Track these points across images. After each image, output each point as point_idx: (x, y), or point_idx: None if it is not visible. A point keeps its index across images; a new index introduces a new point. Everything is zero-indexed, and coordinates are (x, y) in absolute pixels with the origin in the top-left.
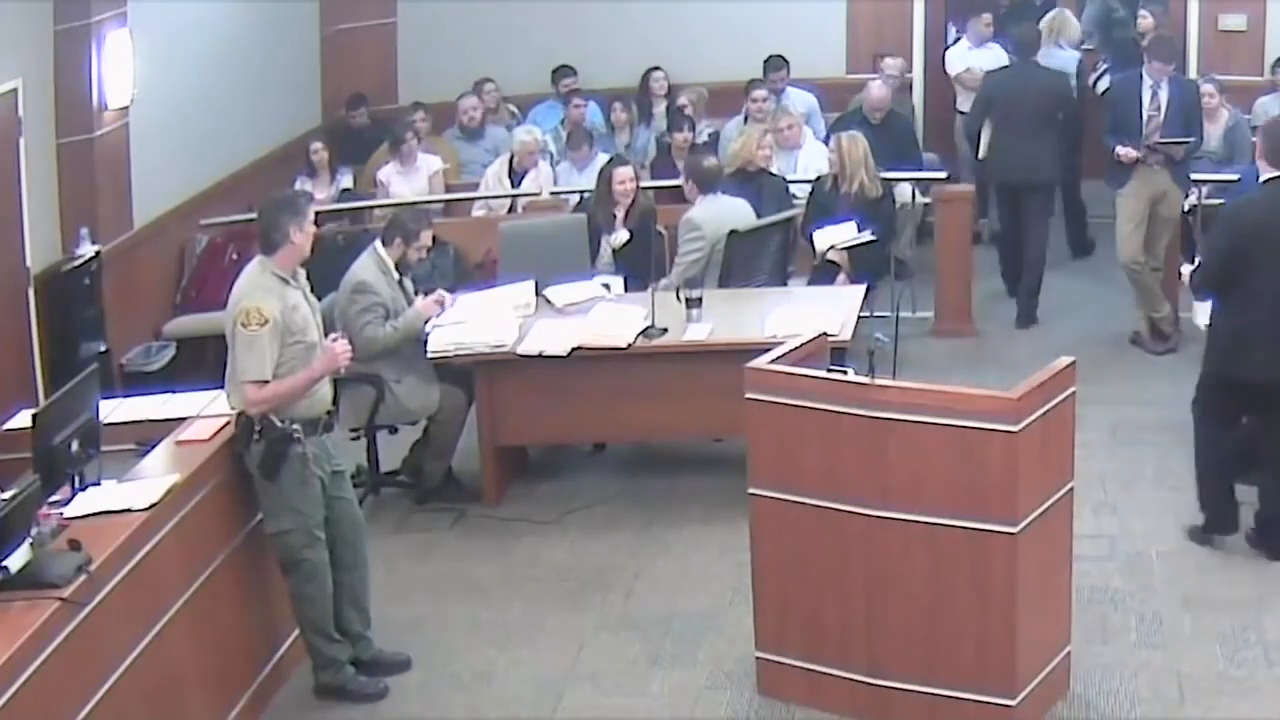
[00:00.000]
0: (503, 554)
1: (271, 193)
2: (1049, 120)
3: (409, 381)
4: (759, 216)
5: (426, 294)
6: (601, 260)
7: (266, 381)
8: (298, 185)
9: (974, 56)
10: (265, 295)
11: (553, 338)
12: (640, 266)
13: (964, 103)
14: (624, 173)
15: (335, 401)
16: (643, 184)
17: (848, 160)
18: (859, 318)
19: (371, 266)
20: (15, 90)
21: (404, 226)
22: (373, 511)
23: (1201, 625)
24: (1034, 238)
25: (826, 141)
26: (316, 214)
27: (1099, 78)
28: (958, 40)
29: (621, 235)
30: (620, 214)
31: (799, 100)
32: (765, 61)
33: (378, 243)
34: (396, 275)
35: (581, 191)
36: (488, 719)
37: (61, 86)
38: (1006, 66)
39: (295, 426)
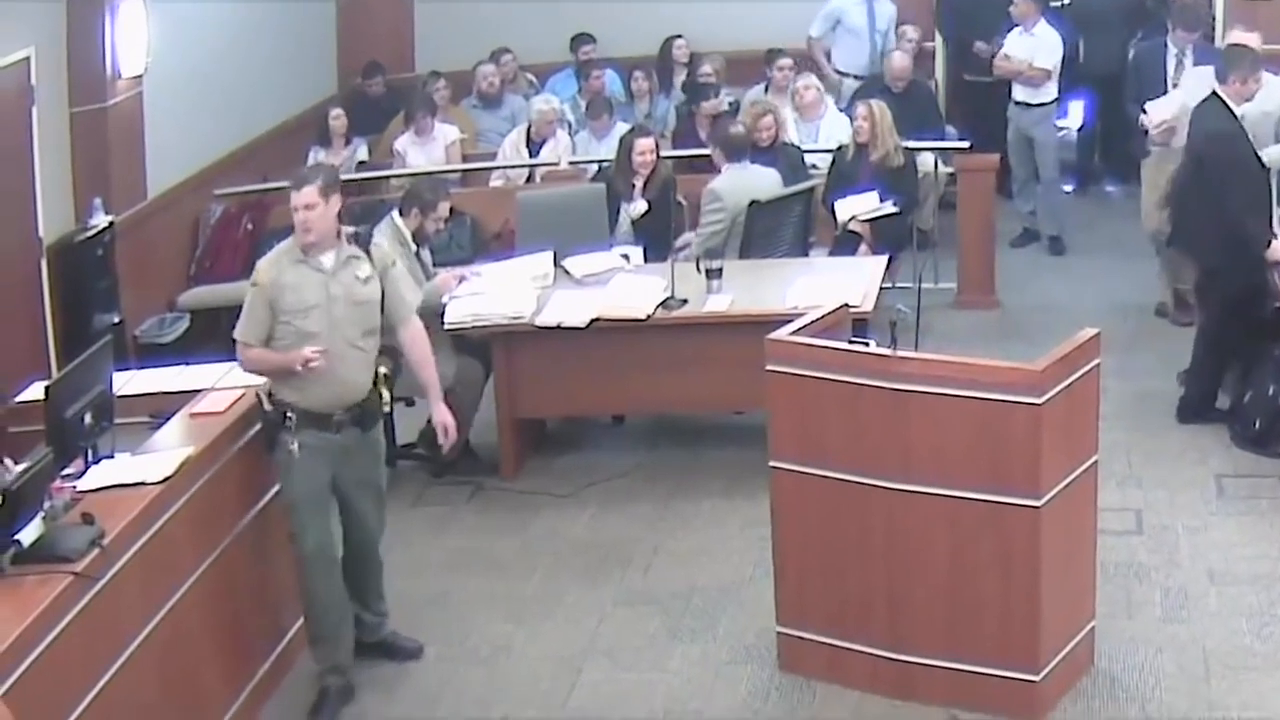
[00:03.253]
0: (520, 528)
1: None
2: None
3: None
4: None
5: (443, 264)
6: (620, 230)
7: (250, 344)
8: (310, 156)
9: (1014, 44)
10: (271, 262)
11: (571, 309)
12: (660, 236)
13: (1019, 93)
14: (645, 143)
15: (377, 411)
16: (663, 154)
17: (879, 126)
18: (881, 289)
19: (388, 237)
20: (28, 59)
21: (421, 197)
22: (389, 485)
23: (1227, 600)
24: None
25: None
26: None
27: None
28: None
29: (640, 206)
30: (640, 183)
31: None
32: None
33: (394, 213)
34: (414, 247)
35: (600, 161)
36: (505, 694)
37: (74, 55)
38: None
39: (289, 415)
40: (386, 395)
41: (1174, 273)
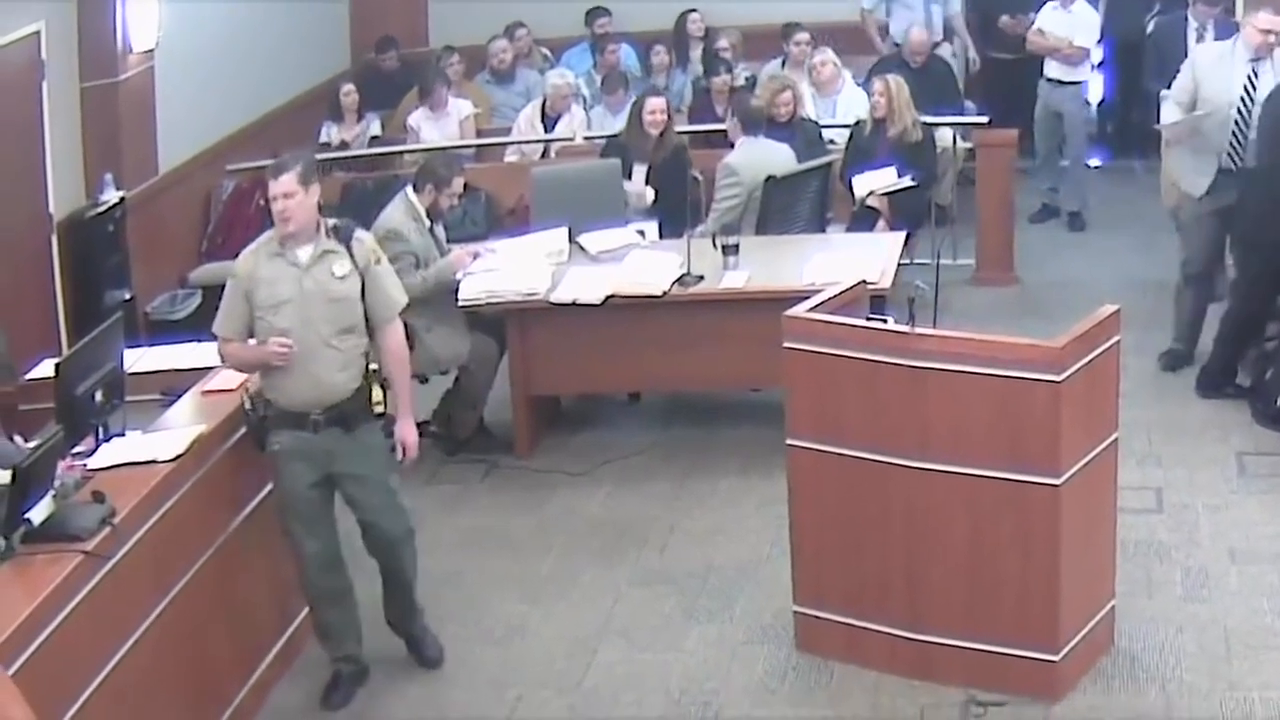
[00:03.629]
0: (535, 507)
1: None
2: None
3: (440, 330)
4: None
5: (457, 240)
6: (634, 199)
7: (228, 338)
8: (322, 131)
9: (1050, 20)
10: (250, 253)
11: (586, 285)
12: (676, 208)
13: (1053, 70)
14: (655, 103)
15: (362, 411)
16: (679, 129)
17: (896, 101)
18: (899, 265)
19: (402, 213)
20: (38, 33)
21: (435, 173)
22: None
23: (1248, 579)
24: None
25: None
26: (345, 159)
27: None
28: None
29: (648, 195)
30: (649, 147)
31: None
32: None
33: (408, 189)
34: (428, 223)
35: (611, 136)
36: (520, 674)
37: (85, 29)
38: None
39: (267, 413)
40: (379, 394)
41: None
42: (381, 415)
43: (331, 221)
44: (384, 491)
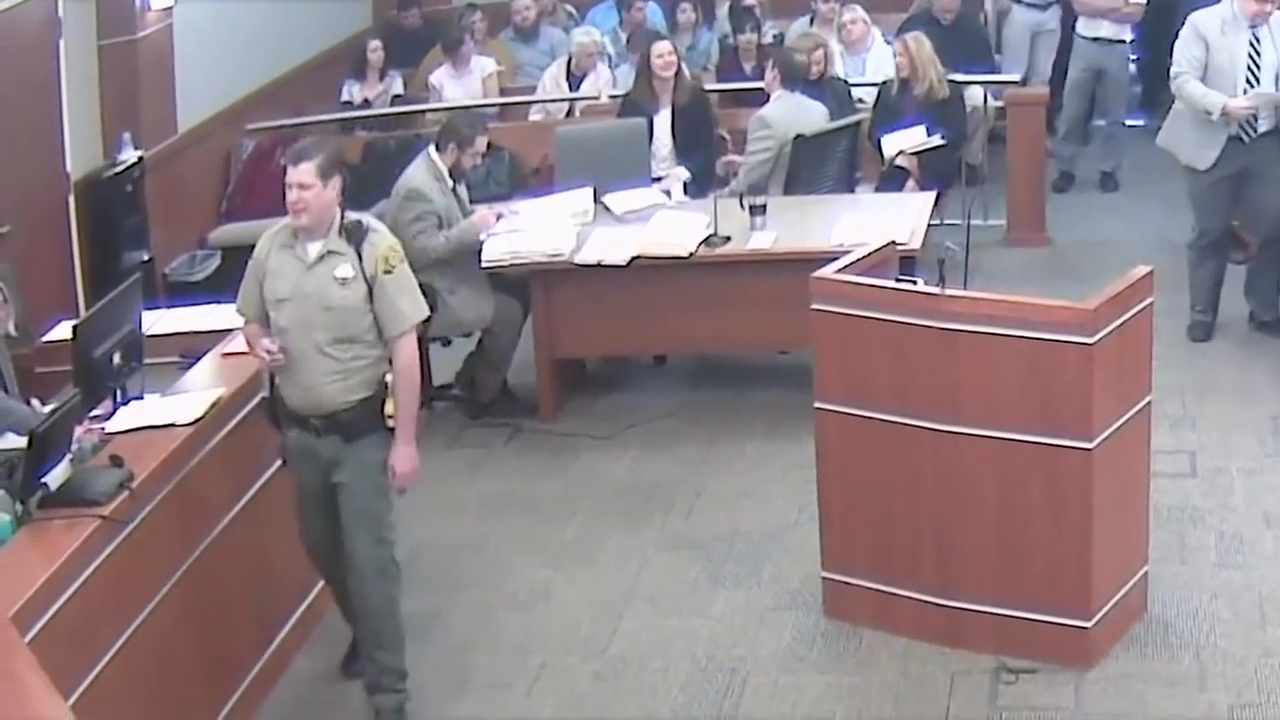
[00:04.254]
0: (560, 471)
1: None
2: None
3: (463, 291)
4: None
5: (480, 200)
6: (660, 145)
7: (246, 317)
8: (344, 89)
9: None
10: (269, 235)
11: (611, 246)
12: (700, 151)
13: (1102, 29)
14: (662, 46)
15: (365, 425)
16: (707, 87)
17: (917, 60)
18: (929, 226)
19: (424, 173)
20: None
21: (458, 132)
22: (425, 427)
23: None
24: None
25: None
26: (368, 118)
27: None
28: None
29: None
30: (667, 93)
31: None
32: None
33: (431, 148)
34: (450, 182)
35: (623, 95)
36: (544, 640)
37: None
38: None
39: (281, 403)
40: (391, 408)
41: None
42: (394, 430)
43: (354, 217)
44: (364, 516)
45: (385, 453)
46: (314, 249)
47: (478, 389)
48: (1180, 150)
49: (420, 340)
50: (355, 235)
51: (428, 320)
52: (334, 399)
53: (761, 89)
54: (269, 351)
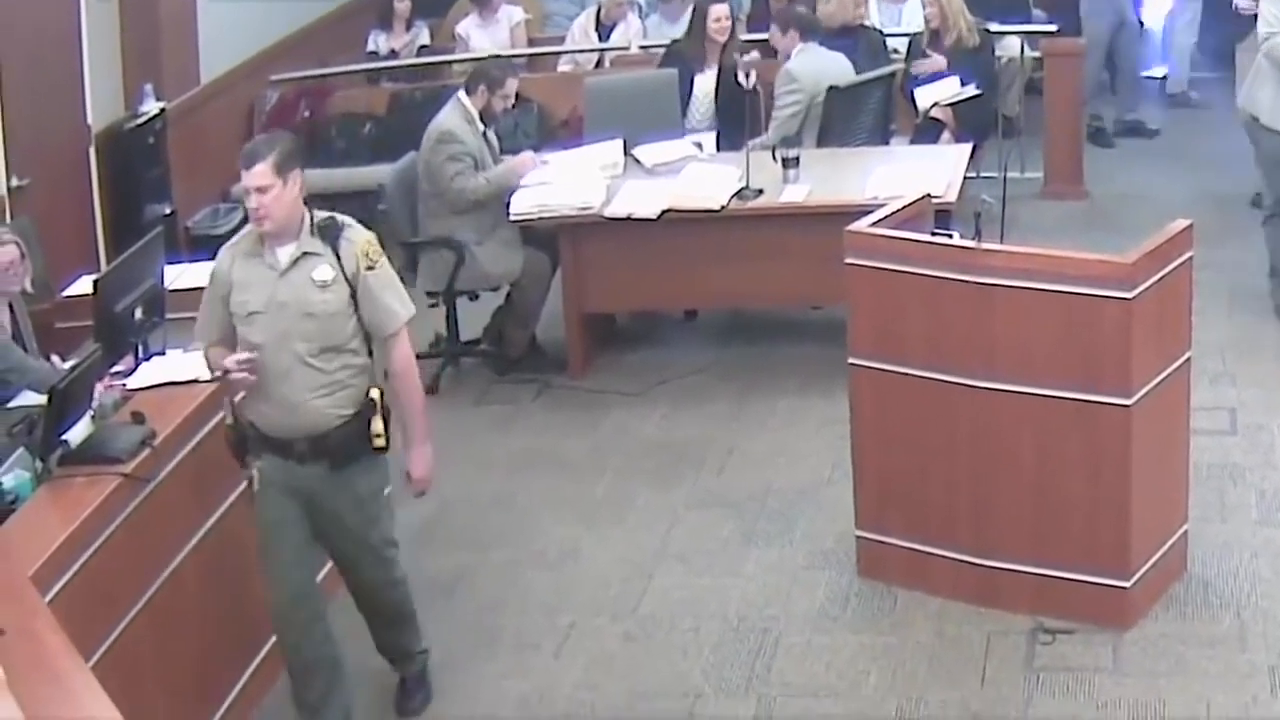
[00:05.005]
0: (589, 428)
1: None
2: None
3: (491, 245)
4: (856, 73)
5: (508, 152)
6: (697, 105)
7: (209, 342)
8: (369, 40)
9: None
10: (230, 247)
11: (642, 199)
12: (737, 118)
13: None
14: (720, 9)
15: (355, 448)
16: (740, 38)
17: (947, 10)
18: (965, 178)
19: (456, 116)
20: None
21: (488, 74)
22: (452, 383)
23: None
24: None
25: None
26: (394, 69)
27: None
28: None
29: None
30: (715, 55)
31: None
32: None
33: (461, 93)
34: (482, 126)
35: (670, 43)
36: (573, 599)
37: None
38: None
39: (248, 433)
40: (379, 427)
41: None
42: (383, 450)
43: (324, 215)
44: (364, 547)
45: (375, 478)
46: (285, 253)
47: (506, 344)
48: (1263, 111)
49: (448, 292)
50: (330, 233)
51: (455, 272)
52: (322, 418)
53: None
54: (240, 362)
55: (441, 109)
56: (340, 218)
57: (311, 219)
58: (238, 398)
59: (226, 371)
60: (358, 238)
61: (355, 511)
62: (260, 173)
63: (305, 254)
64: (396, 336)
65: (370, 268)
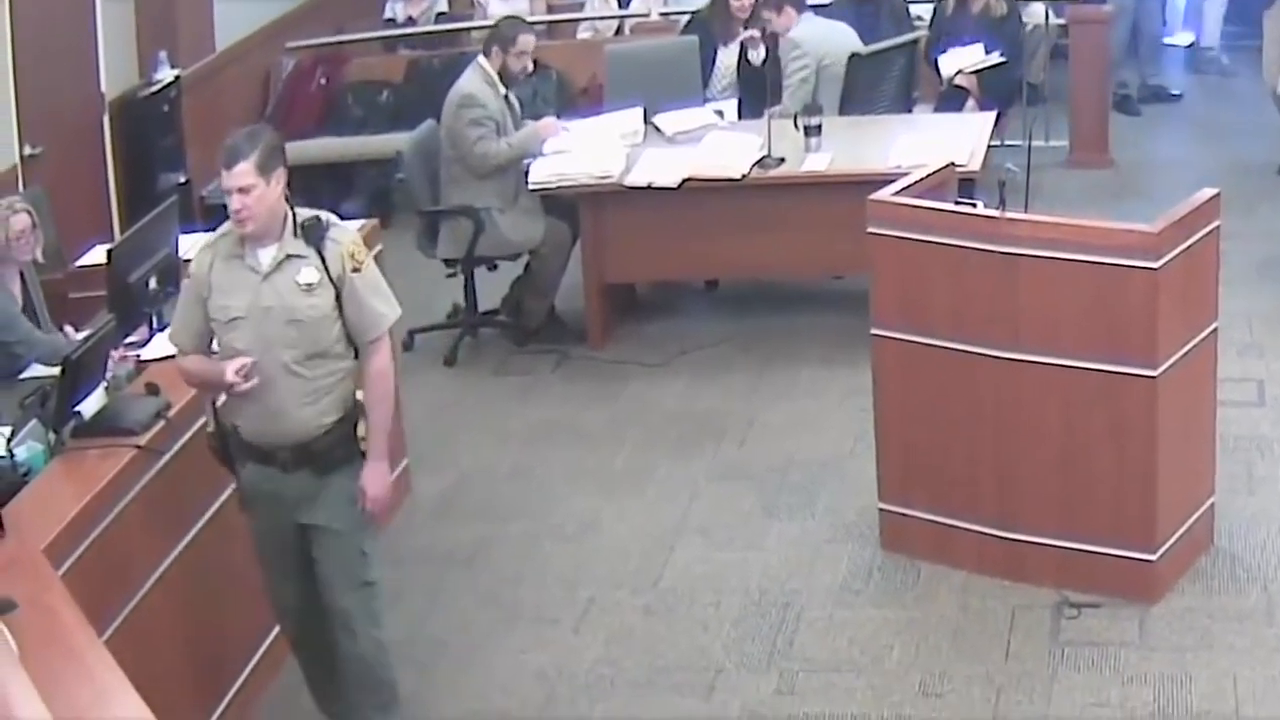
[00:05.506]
0: (609, 399)
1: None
2: None
3: (512, 213)
4: (877, 40)
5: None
6: (719, 77)
7: (183, 348)
8: (386, 7)
9: None
10: (206, 247)
11: (662, 168)
12: (761, 90)
13: None
14: None
15: (340, 454)
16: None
17: None
18: (989, 147)
19: (477, 79)
20: None
21: (500, 32)
22: (470, 354)
23: None
24: None
25: None
26: (411, 36)
27: None
28: None
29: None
30: (739, 30)
31: None
32: None
33: (480, 58)
34: (503, 89)
35: (693, 12)
36: (592, 573)
37: None
38: None
39: (230, 439)
40: (361, 431)
41: None
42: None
43: (309, 214)
44: (348, 562)
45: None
46: (267, 255)
47: (525, 315)
48: None
49: (468, 260)
50: (314, 234)
51: (475, 239)
52: (306, 425)
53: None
54: (241, 368)
55: (462, 74)
56: (325, 216)
57: (294, 218)
58: (219, 401)
59: (231, 386)
60: (343, 238)
61: (342, 516)
62: (242, 172)
63: (289, 256)
64: (379, 342)
65: (356, 269)
